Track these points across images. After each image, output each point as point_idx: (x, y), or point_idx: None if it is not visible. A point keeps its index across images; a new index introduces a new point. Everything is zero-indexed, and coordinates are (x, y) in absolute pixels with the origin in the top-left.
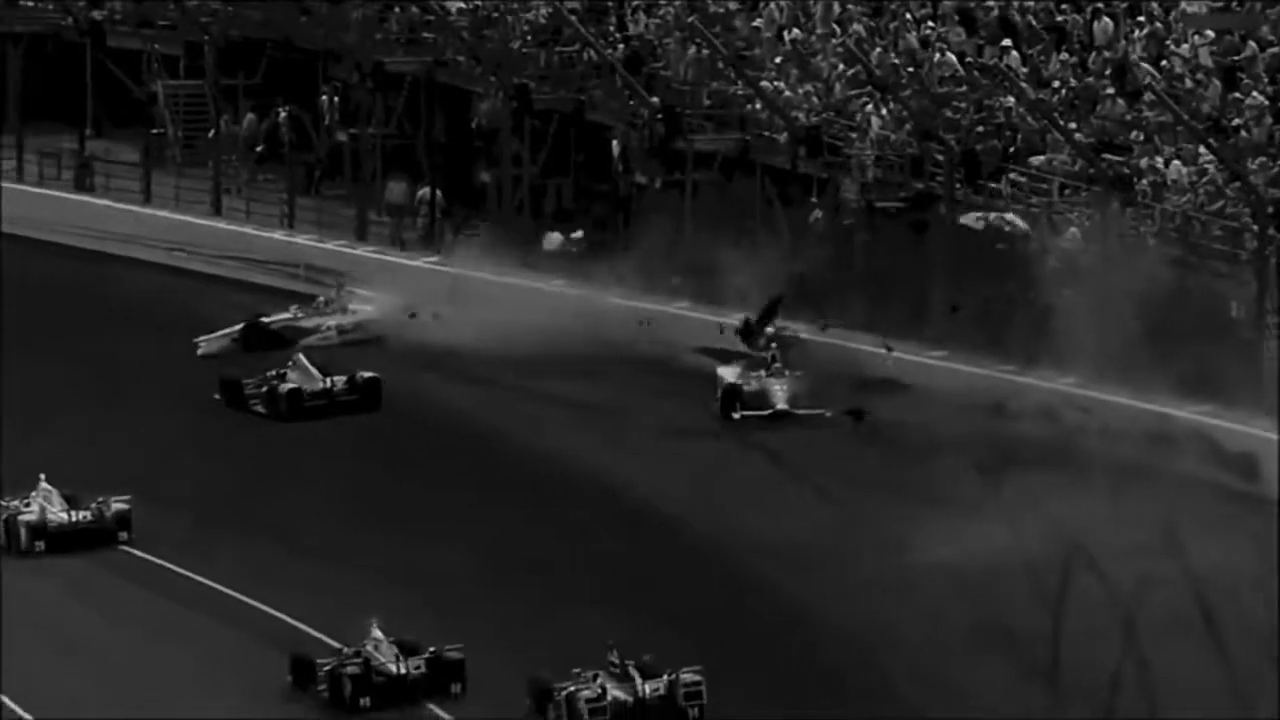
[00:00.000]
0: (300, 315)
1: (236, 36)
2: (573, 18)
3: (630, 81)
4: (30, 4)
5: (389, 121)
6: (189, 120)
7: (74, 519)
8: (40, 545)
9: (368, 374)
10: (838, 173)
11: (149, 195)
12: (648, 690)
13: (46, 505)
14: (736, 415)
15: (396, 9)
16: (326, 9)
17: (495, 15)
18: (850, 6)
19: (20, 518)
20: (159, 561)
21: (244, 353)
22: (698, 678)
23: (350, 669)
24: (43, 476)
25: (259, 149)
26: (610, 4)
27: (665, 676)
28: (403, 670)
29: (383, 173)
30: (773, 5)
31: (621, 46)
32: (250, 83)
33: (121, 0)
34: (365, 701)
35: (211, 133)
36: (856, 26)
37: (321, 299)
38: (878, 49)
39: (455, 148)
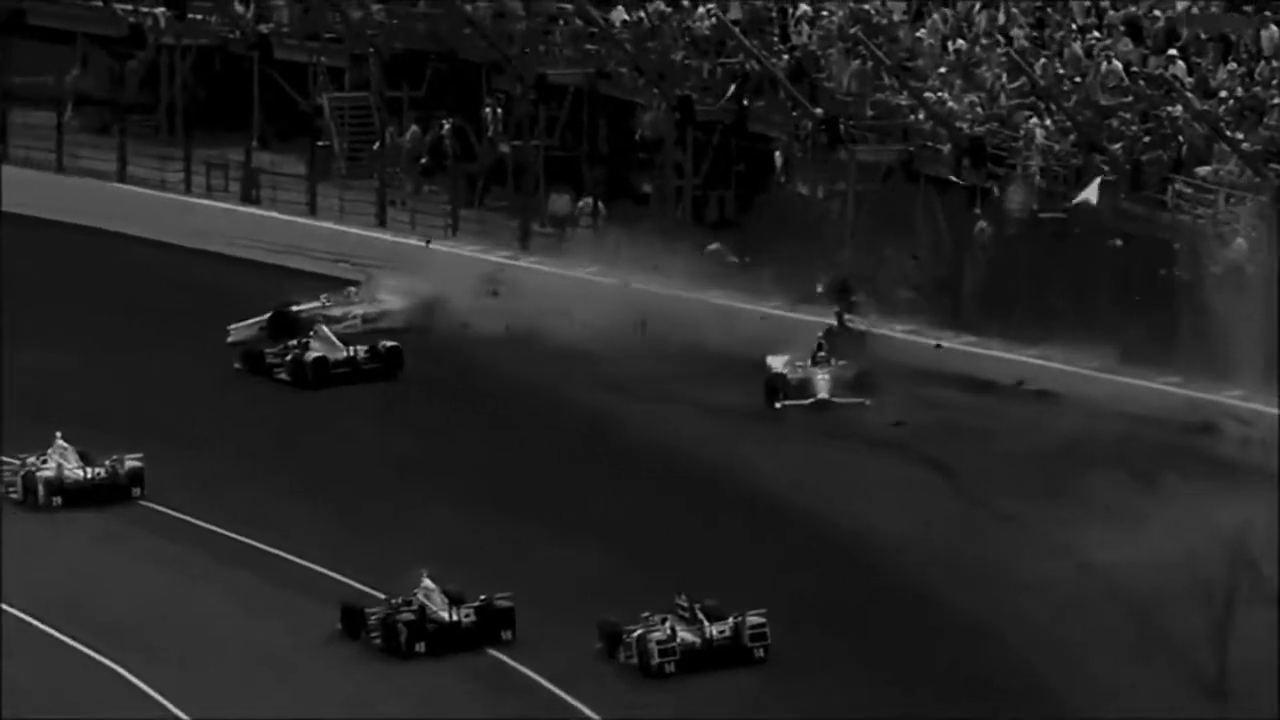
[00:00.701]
0: (329, 303)
1: (401, 49)
2: (736, 29)
3: (792, 92)
4: (199, 17)
5: (552, 133)
6: (354, 132)
7: (89, 475)
8: (58, 501)
9: (389, 343)
10: (1002, 183)
11: (314, 207)
12: (714, 632)
13: (63, 462)
14: (779, 404)
15: (560, 21)
16: (491, 21)
17: (658, 26)
18: (1014, 16)
19: (39, 474)
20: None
21: (272, 340)
22: (762, 620)
23: (405, 616)
24: (59, 434)
25: (423, 161)
26: (773, 15)
27: (731, 619)
28: (455, 618)
29: (546, 184)
30: (936, 16)
31: (785, 58)
32: (415, 95)
33: (289, 12)
34: (420, 647)
35: (376, 145)
36: (1020, 36)
37: (351, 288)
38: (1042, 59)
39: (618, 159)
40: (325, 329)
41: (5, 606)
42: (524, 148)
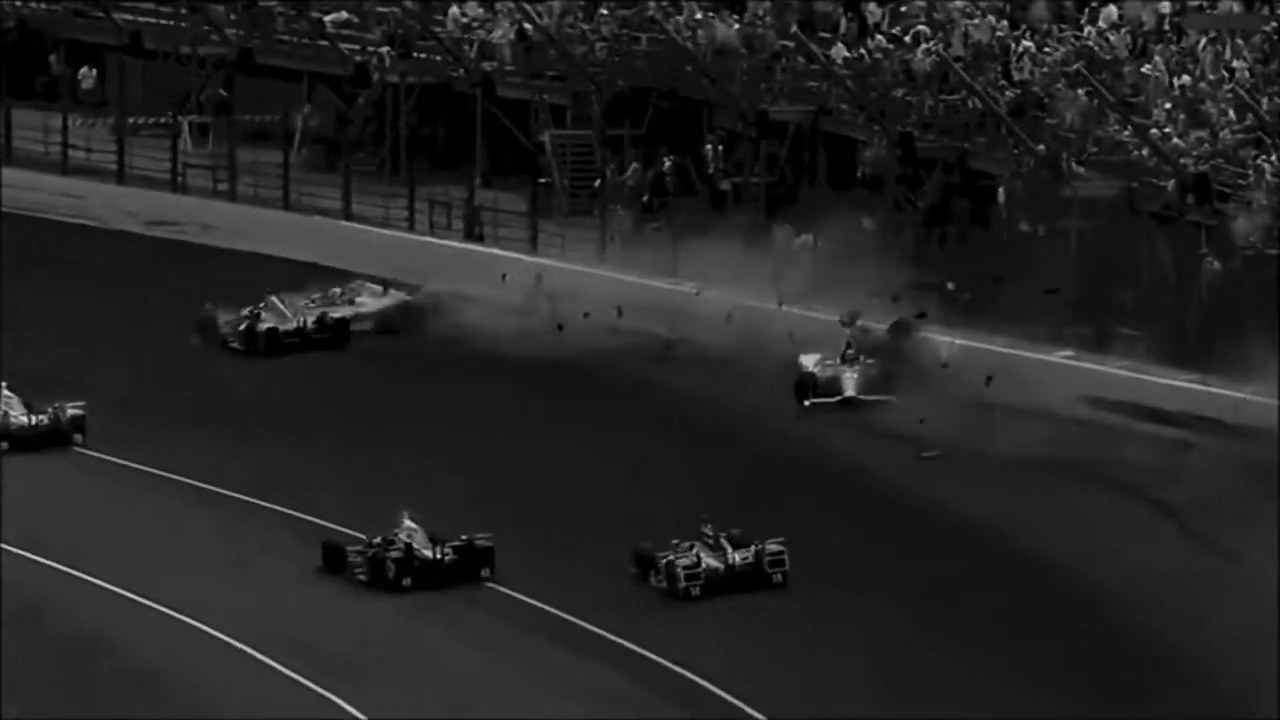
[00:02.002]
0: (311, 305)
1: (623, 86)
2: (958, 65)
3: (1014, 129)
4: (423, 56)
5: (773, 169)
6: (575, 169)
7: (33, 422)
8: (4, 445)
9: (337, 314)
10: (1229, 219)
11: (536, 244)
12: (737, 559)
13: (9, 409)
14: (808, 402)
15: (782, 58)
16: (712, 59)
17: (879, 63)
18: (1240, 51)
19: None
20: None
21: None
22: (781, 548)
23: (393, 553)
24: (4, 384)
25: (645, 198)
26: (997, 52)
27: (753, 547)
28: (438, 555)
29: (767, 220)
30: (1160, 51)
31: (1007, 94)
32: (636, 132)
33: (511, 51)
34: (407, 582)
35: (597, 182)
36: (1245, 71)
37: (337, 290)
38: (1267, 95)
39: (839, 195)
40: (275, 299)
41: None
42: (745, 184)
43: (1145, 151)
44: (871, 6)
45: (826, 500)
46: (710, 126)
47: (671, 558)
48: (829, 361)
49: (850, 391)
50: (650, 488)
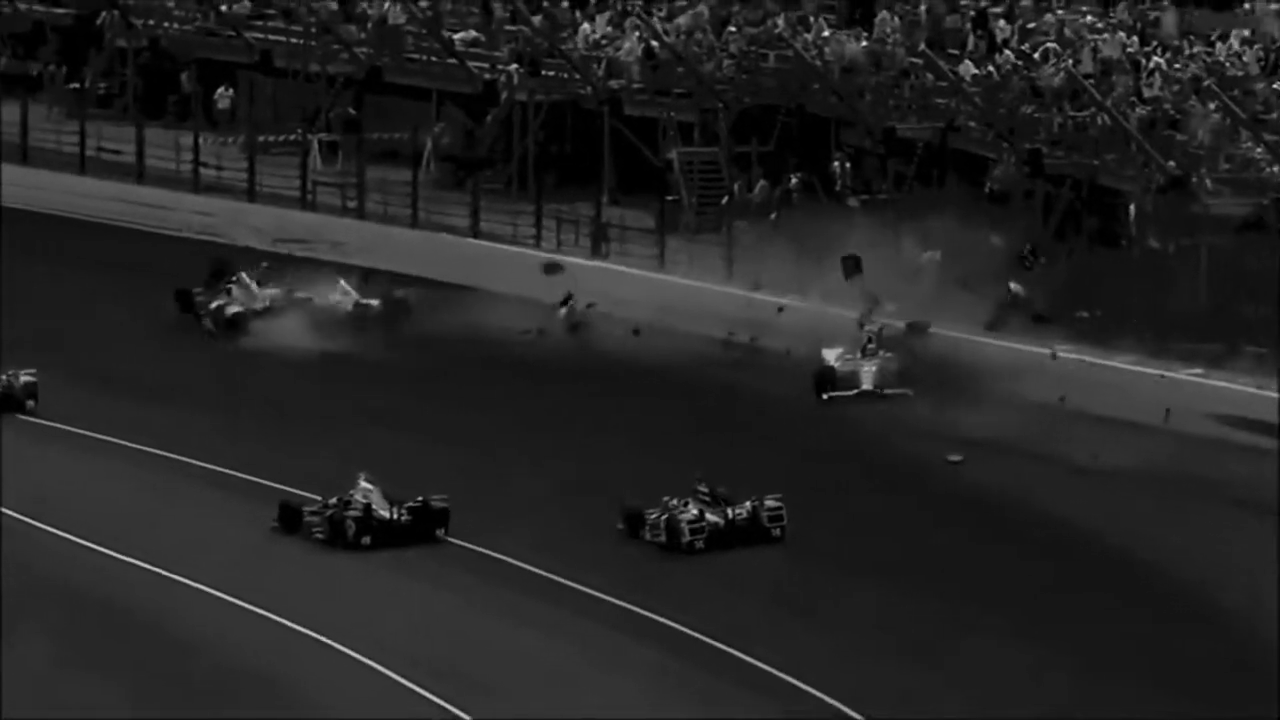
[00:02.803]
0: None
1: (751, 104)
2: (1088, 82)
3: (1144, 145)
4: (551, 74)
5: (901, 187)
6: (703, 187)
7: None
8: None
9: (302, 294)
10: None
11: (663, 261)
12: (735, 514)
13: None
14: (826, 396)
15: (910, 76)
16: (840, 76)
17: (1007, 79)
18: None
19: None
20: None
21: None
22: (779, 504)
23: (353, 513)
24: None
25: (773, 216)
26: (1127, 68)
27: (749, 503)
28: (395, 515)
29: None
30: None
31: (1137, 110)
32: (763, 150)
33: (639, 69)
34: (366, 540)
35: (725, 199)
36: None
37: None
38: None
39: (967, 213)
40: (245, 276)
41: None
42: (872, 202)
43: (1277, 169)
44: (1001, 23)
45: (982, 532)
46: (838, 143)
47: (672, 513)
48: (849, 356)
49: (867, 385)
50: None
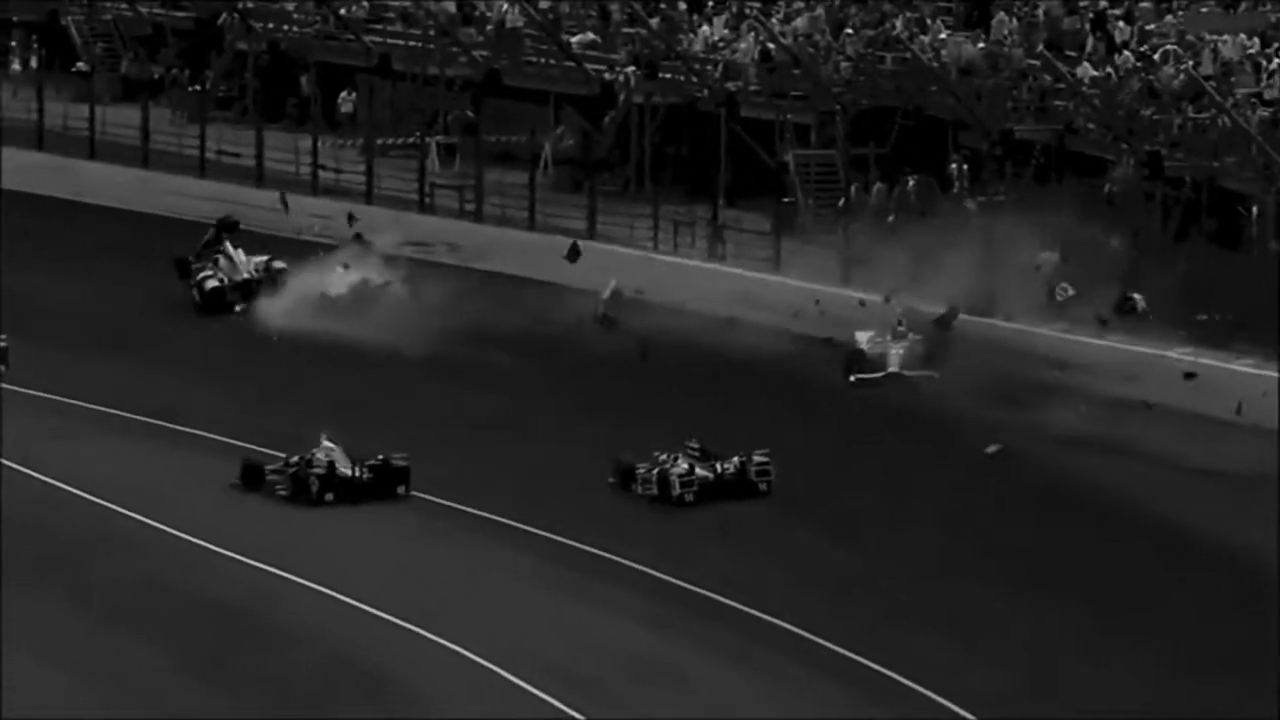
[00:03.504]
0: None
1: (868, 106)
2: (1209, 84)
3: (1265, 148)
4: (668, 76)
5: (1018, 189)
6: (819, 189)
7: None
8: None
9: (279, 264)
10: None
11: (779, 263)
12: (724, 468)
13: None
14: (853, 378)
15: (1028, 77)
16: (957, 78)
17: (1126, 81)
18: None
19: None
20: None
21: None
22: (766, 458)
23: (316, 470)
24: None
25: (890, 219)
26: (1248, 70)
27: (737, 458)
28: (357, 473)
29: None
30: None
31: (1259, 112)
32: (880, 152)
33: (756, 70)
34: (329, 497)
35: (841, 201)
36: None
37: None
38: None
39: (1084, 214)
40: (229, 247)
41: None
42: (989, 204)
43: None
44: (1120, 24)
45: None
46: (955, 145)
47: (663, 467)
48: (879, 338)
49: (894, 367)
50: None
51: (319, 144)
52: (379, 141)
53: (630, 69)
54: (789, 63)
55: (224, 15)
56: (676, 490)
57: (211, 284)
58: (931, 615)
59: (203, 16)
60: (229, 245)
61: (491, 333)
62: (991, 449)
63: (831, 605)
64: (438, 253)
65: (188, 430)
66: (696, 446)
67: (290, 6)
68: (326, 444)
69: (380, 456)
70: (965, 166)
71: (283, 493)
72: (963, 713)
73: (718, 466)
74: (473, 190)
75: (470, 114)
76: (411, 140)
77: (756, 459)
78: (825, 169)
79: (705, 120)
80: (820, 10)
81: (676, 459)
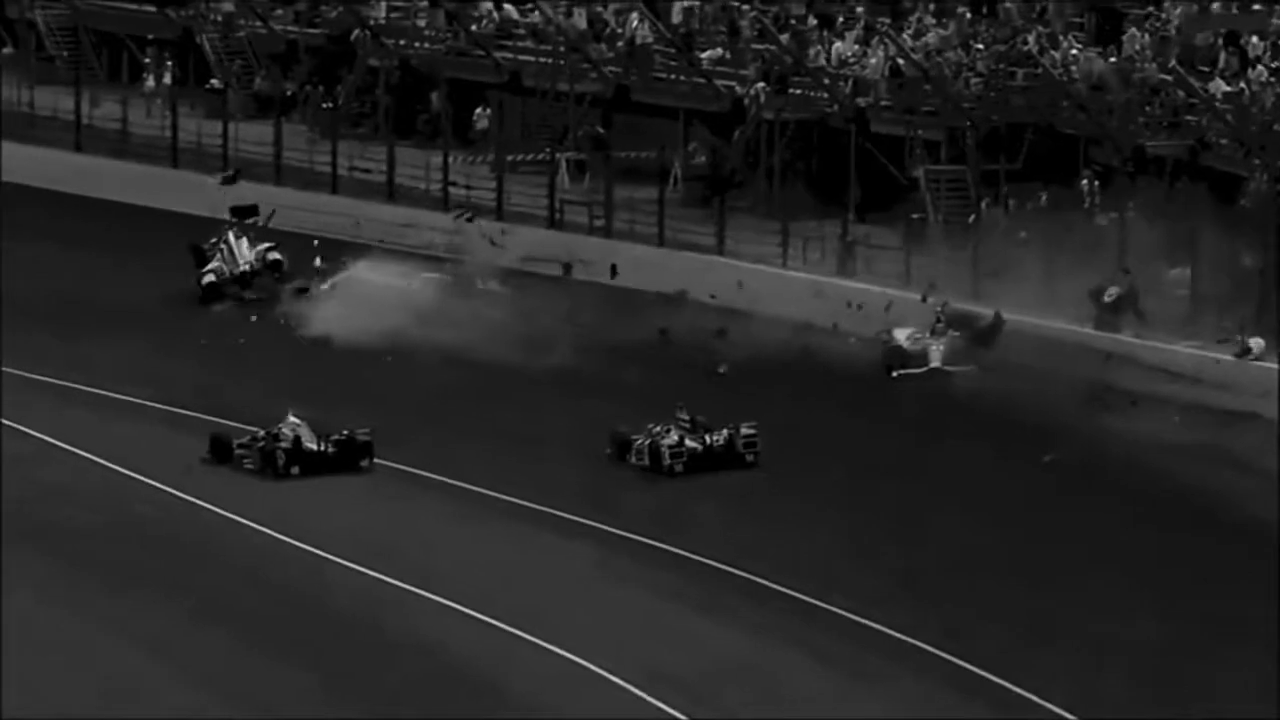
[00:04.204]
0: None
1: (998, 122)
2: None
3: None
4: (798, 92)
5: (1150, 205)
6: (949, 204)
7: None
8: None
9: (275, 255)
10: None
11: (909, 278)
12: (713, 440)
13: None
14: (895, 374)
15: (1160, 93)
16: (1089, 94)
17: (1259, 96)
18: None
19: None
20: None
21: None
22: (754, 431)
23: (283, 444)
24: None
25: (1022, 235)
26: None
27: (726, 430)
28: (322, 447)
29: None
30: None
31: None
32: (1011, 167)
33: (886, 86)
34: (295, 470)
35: (972, 217)
36: None
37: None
38: None
39: (1219, 231)
40: (232, 236)
41: None
42: (1121, 220)
43: None
44: (1253, 39)
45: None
46: (1086, 161)
47: (654, 438)
48: (918, 335)
49: (936, 362)
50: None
51: (450, 160)
52: (509, 157)
53: (760, 85)
54: (919, 78)
55: (356, 32)
56: (666, 461)
57: (207, 278)
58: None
59: (335, 33)
60: (231, 236)
61: (619, 346)
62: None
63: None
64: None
65: None
66: (687, 418)
67: (422, 23)
68: (292, 419)
69: (345, 431)
70: (1096, 182)
71: (250, 466)
72: None
73: (707, 438)
74: (602, 206)
75: (600, 130)
76: (541, 156)
77: (744, 431)
78: (955, 184)
79: (835, 136)
80: (951, 26)
81: (668, 430)
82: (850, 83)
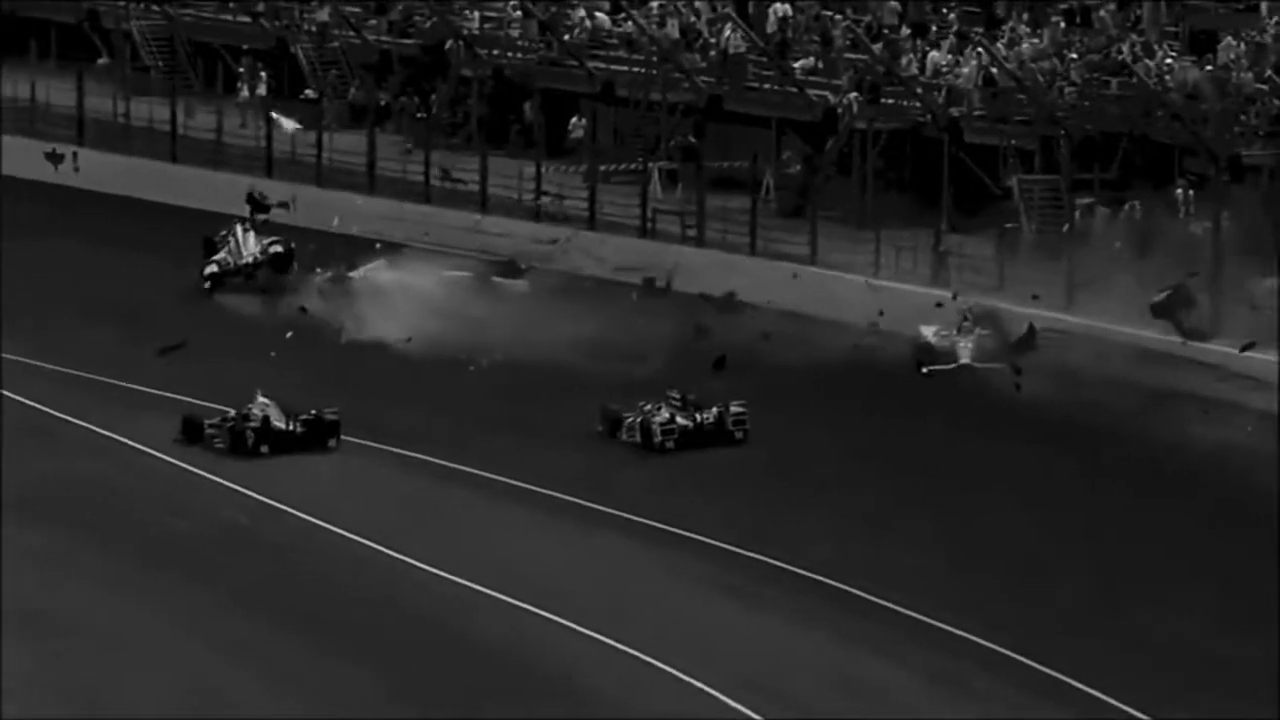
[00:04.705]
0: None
1: (1092, 131)
2: None
3: None
4: (891, 101)
5: (1244, 214)
6: (1043, 214)
7: None
8: None
9: (276, 248)
10: None
11: (1002, 288)
12: (703, 418)
13: None
14: (926, 370)
15: (1255, 102)
16: (1184, 103)
17: None
18: None
19: None
20: None
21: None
22: (743, 409)
23: (253, 424)
24: None
25: (1116, 244)
26: None
27: (716, 408)
28: (290, 427)
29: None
30: None
31: None
32: (1104, 176)
33: (980, 96)
34: (264, 448)
35: (1065, 227)
36: None
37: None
38: None
39: None
40: (239, 229)
41: None
42: (1217, 230)
43: None
44: None
45: None
46: (1181, 170)
47: (646, 416)
48: (944, 332)
49: (966, 359)
50: None
51: (543, 170)
52: (602, 168)
53: (853, 94)
54: (1013, 88)
55: (450, 42)
56: (658, 438)
57: (209, 269)
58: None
59: (429, 44)
60: (239, 229)
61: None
62: None
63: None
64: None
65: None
66: (678, 396)
67: (515, 33)
68: (261, 399)
69: (313, 411)
70: (1191, 192)
71: (220, 445)
72: None
73: (697, 416)
74: (694, 215)
75: (692, 139)
76: (633, 166)
77: (734, 409)
78: (1049, 194)
79: (928, 145)
80: (1045, 35)
81: (659, 408)
82: (944, 92)
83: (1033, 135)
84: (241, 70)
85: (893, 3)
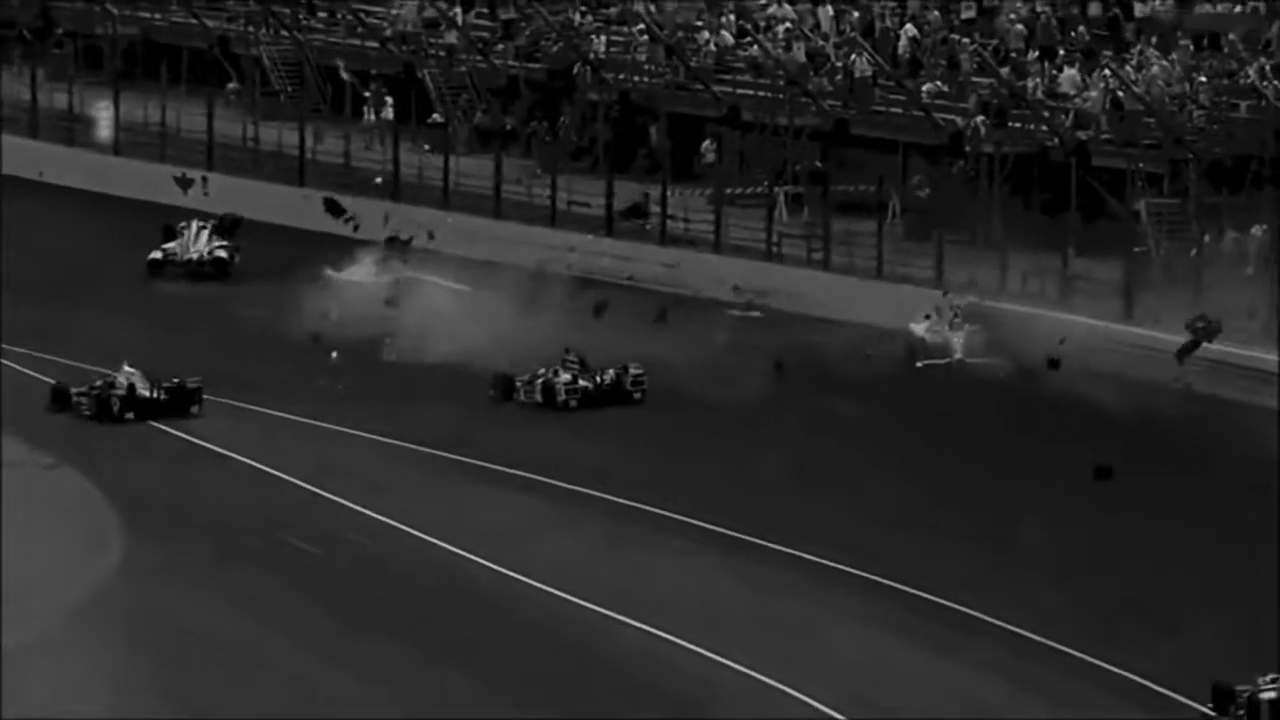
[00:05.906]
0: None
1: (1221, 154)
2: None
3: None
4: (1018, 125)
5: None
6: (1171, 238)
7: None
8: None
9: (222, 252)
10: None
11: (1130, 314)
12: (602, 379)
13: None
14: (920, 364)
15: None
16: None
17: None
18: None
19: None
20: None
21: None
22: (641, 371)
23: (118, 392)
24: None
25: (1249, 270)
26: None
27: (614, 370)
28: (155, 394)
29: None
30: None
31: None
32: (1234, 200)
33: (1107, 119)
34: (130, 415)
35: (1194, 251)
36: None
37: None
38: None
39: None
40: (195, 225)
41: None
42: None
43: None
44: None
45: None
46: None
47: (550, 376)
48: (936, 328)
49: (959, 354)
50: None
51: (668, 194)
52: (728, 191)
53: (979, 118)
54: (1141, 111)
55: (576, 66)
56: (561, 397)
57: (153, 255)
58: None
59: (556, 68)
60: (194, 225)
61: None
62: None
63: None
64: (777, 300)
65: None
66: (575, 360)
67: (641, 57)
68: (127, 369)
69: (175, 379)
70: None
71: (87, 413)
72: None
73: (597, 377)
74: (820, 239)
75: (818, 163)
76: (759, 190)
77: (633, 371)
78: (1177, 218)
79: (1055, 169)
80: (1173, 58)
81: (558, 371)
82: (1071, 115)
83: (1161, 159)
84: (367, 95)
85: (1019, 26)
